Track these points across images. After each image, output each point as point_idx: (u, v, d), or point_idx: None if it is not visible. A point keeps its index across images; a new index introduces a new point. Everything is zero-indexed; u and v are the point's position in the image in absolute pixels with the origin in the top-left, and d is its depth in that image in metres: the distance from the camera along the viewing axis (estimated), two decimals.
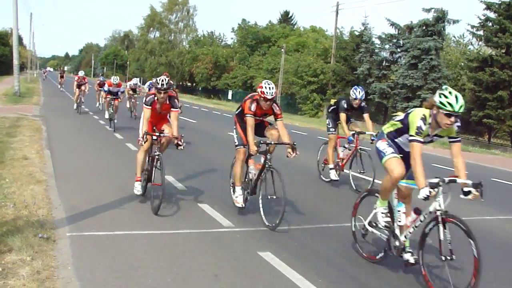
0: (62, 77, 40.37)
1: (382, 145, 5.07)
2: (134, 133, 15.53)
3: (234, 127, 7.00)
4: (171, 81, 7.04)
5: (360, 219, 5.49)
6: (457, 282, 4.41)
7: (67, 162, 9.67)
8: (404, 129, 4.86)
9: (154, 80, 7.70)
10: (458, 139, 4.72)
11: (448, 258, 4.36)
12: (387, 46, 35.88)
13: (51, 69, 77.65)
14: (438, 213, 4.45)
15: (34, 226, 5.26)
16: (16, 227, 5.20)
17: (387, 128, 5.19)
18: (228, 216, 6.56)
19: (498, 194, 11.35)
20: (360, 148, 9.17)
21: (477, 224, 7.71)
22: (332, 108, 10.00)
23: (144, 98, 7.04)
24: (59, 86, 40.43)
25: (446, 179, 4.46)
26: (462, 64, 33.58)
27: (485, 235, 7.07)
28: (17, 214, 5.70)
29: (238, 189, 6.81)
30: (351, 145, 9.31)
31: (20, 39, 47.89)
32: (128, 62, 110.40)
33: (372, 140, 8.52)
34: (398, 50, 34.86)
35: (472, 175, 14.59)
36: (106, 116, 17.46)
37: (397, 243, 4.93)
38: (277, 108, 6.72)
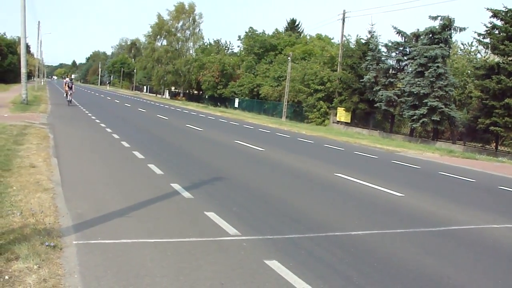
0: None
1: None
2: (139, 141, 15.60)
3: None
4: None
5: None
6: None
7: (74, 170, 9.70)
8: None
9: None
10: None
11: None
12: (393, 54, 35.84)
13: (54, 78, 74.11)
14: None
15: (41, 234, 5.28)
16: (23, 235, 5.22)
17: None
18: (234, 224, 6.54)
19: (506, 202, 11.30)
20: None
21: (485, 233, 7.68)
22: None
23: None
24: None
25: None
26: (469, 71, 33.48)
27: (492, 243, 7.04)
28: (24, 222, 5.71)
29: None
30: None
31: (27, 48, 48.50)
32: (135, 70, 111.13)
33: None
34: (405, 58, 34.80)
35: (479, 183, 14.54)
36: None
37: None
38: None
